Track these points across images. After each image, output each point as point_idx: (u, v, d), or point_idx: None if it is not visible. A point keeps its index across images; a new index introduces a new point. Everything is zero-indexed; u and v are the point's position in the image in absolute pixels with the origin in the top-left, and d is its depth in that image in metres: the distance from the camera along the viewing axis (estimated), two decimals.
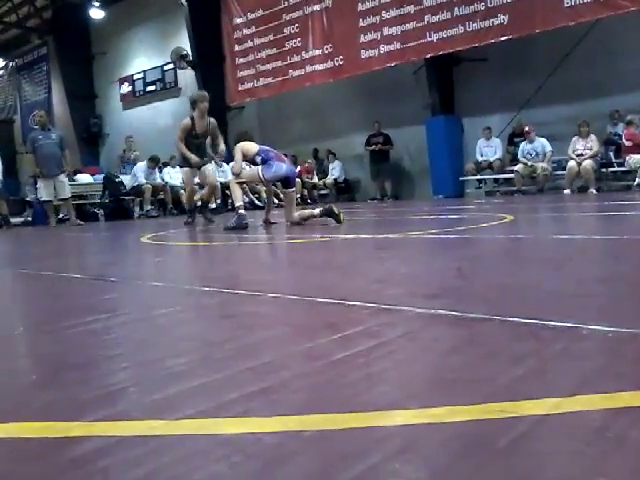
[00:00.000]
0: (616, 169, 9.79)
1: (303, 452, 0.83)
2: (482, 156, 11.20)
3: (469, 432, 0.85)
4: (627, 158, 9.32)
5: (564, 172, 9.90)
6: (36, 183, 10.84)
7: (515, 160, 10.64)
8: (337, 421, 0.91)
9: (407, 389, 1.05)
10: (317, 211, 5.95)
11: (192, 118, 7.33)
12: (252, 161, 6.32)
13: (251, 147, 6.34)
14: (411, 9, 11.35)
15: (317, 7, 12.86)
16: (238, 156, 6.27)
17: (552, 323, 1.39)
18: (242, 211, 6.22)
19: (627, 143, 9.29)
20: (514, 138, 10.97)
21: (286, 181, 6.29)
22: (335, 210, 5.68)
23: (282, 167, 6.19)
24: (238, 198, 6.44)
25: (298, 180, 11.67)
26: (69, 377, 1.27)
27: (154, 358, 1.37)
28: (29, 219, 11.54)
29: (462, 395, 0.98)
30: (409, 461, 0.78)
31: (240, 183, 6.59)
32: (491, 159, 11.07)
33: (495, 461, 0.76)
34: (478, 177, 11.42)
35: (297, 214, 6.20)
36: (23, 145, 15.24)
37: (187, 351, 1.41)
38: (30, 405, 1.11)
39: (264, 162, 6.15)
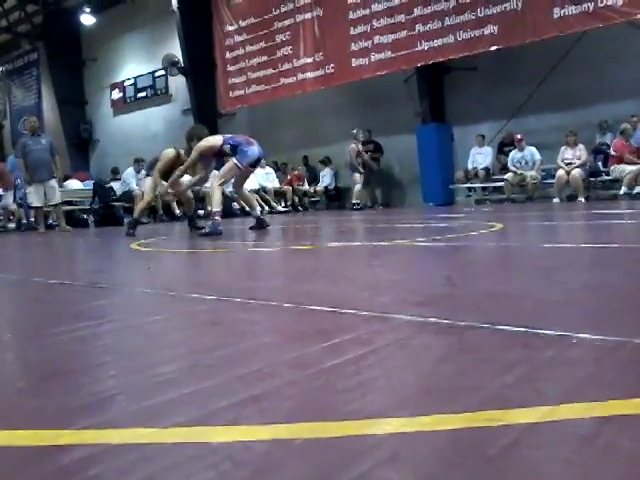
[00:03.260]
0: (604, 178, 9.89)
1: (293, 460, 0.82)
2: (473, 163, 11.25)
3: (459, 440, 0.85)
4: (612, 168, 9.43)
5: (553, 181, 9.99)
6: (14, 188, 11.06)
7: (505, 168, 10.71)
8: (327, 429, 0.91)
9: (397, 397, 1.05)
10: (257, 212, 6.70)
11: (178, 154, 6.99)
12: (221, 154, 6.25)
13: (214, 140, 6.27)
14: (402, 18, 11.43)
15: (308, 15, 12.92)
16: (193, 156, 6.26)
17: (541, 331, 1.39)
18: (218, 218, 6.13)
19: (613, 153, 9.40)
20: (504, 147, 11.05)
21: (256, 162, 6.45)
22: (264, 224, 6.43)
23: (255, 150, 6.24)
24: (217, 203, 6.32)
25: (289, 187, 11.82)
26: (57, 384, 1.26)
27: (143, 365, 1.36)
28: (24, 221, 11.54)
29: (452, 403, 0.98)
30: (399, 469, 0.78)
31: (222, 184, 6.45)
32: (480, 167, 11.13)
33: (485, 469, 0.76)
34: (468, 185, 11.48)
35: (246, 192, 6.97)
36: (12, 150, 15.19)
37: (176, 358, 1.40)
38: (17, 413, 1.10)
39: (234, 150, 6.08)
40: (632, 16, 8.99)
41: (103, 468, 0.83)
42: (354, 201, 12.27)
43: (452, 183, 11.73)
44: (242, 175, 6.57)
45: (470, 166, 11.27)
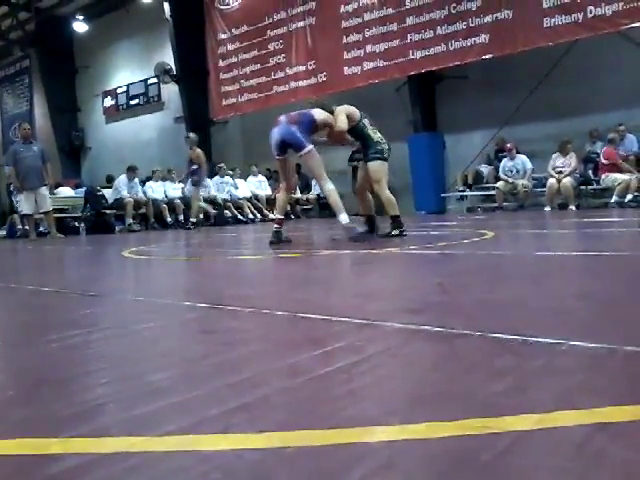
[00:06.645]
0: (595, 187, 9.96)
1: (284, 469, 0.82)
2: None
3: (451, 448, 0.85)
4: (602, 176, 9.50)
5: (544, 189, 10.04)
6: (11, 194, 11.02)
7: (496, 177, 10.77)
8: (319, 437, 0.91)
9: (389, 405, 1.05)
10: (342, 218, 5.03)
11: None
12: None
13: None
14: (394, 27, 11.50)
15: (301, 24, 12.98)
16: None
17: (533, 339, 1.40)
18: (276, 225, 5.31)
19: (604, 161, 9.46)
20: (498, 153, 11.12)
21: (288, 146, 5.15)
22: (352, 236, 4.96)
23: (273, 134, 5.19)
24: (278, 209, 5.53)
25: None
26: (47, 393, 1.25)
27: (134, 373, 1.35)
28: (19, 227, 11.48)
29: (444, 411, 0.98)
30: (391, 477, 0.77)
31: (282, 183, 5.57)
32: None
33: (477, 477, 0.76)
34: (459, 194, 11.52)
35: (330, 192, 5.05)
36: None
37: (167, 366, 1.40)
38: (7, 421, 1.09)
39: None
40: (621, 26, 9.08)
41: (93, 477, 0.82)
42: (191, 219, 10.88)
43: (444, 191, 11.78)
44: (306, 166, 5.40)
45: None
